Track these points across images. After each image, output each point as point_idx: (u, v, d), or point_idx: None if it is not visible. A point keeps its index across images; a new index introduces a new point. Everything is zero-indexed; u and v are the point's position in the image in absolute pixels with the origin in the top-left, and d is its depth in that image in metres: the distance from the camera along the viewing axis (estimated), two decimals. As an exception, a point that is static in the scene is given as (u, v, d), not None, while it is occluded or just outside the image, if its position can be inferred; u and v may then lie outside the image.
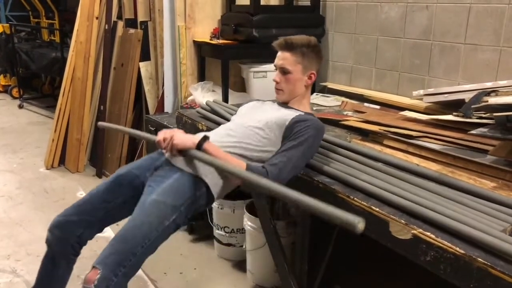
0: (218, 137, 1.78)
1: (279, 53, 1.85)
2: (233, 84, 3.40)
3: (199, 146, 1.63)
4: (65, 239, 1.70)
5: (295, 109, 1.87)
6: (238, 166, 1.62)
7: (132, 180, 1.74)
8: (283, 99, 1.89)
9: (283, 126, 1.75)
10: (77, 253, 1.76)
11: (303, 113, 1.82)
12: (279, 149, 1.73)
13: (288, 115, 1.78)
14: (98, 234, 1.80)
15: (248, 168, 1.62)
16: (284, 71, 1.83)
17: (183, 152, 1.66)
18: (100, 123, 2.39)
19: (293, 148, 1.68)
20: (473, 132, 1.79)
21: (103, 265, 1.43)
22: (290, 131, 1.73)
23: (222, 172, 1.67)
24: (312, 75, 1.87)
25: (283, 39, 1.83)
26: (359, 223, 1.17)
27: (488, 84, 2.17)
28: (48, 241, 1.74)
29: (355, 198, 1.54)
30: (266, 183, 1.42)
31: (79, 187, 3.73)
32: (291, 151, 1.68)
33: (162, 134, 1.72)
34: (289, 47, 1.82)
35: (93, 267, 1.44)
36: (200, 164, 1.66)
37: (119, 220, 1.82)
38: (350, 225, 1.18)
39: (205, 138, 1.66)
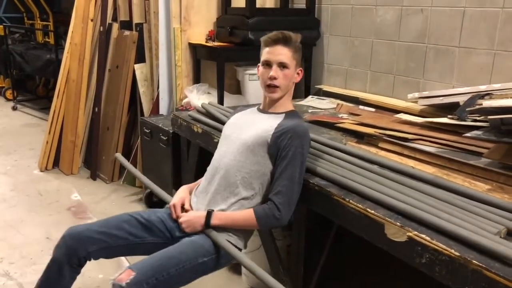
0: (215, 184, 1.78)
1: (273, 48, 1.76)
2: (228, 86, 3.40)
3: (207, 226, 1.70)
4: (74, 251, 1.69)
5: (277, 113, 1.81)
6: (247, 217, 1.68)
7: (162, 232, 1.80)
8: (277, 96, 1.80)
9: (265, 144, 1.72)
10: (81, 266, 1.75)
11: (282, 119, 1.76)
12: (274, 171, 1.71)
13: (266, 130, 1.73)
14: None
15: (257, 214, 1.67)
16: (282, 66, 1.75)
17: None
18: (118, 155, 2.39)
19: (288, 166, 1.67)
20: (467, 134, 1.80)
21: (139, 270, 1.50)
22: (276, 148, 1.70)
23: (236, 230, 1.75)
24: (300, 72, 1.84)
25: (279, 33, 1.76)
26: None
27: (482, 87, 2.19)
28: (57, 247, 1.72)
29: (350, 201, 1.54)
30: (264, 276, 1.48)
31: (73, 189, 3.71)
32: (288, 170, 1.67)
33: (173, 214, 1.81)
34: (286, 41, 1.75)
35: (129, 268, 1.51)
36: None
37: (130, 255, 1.91)
38: None
39: (210, 214, 1.70)
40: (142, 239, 1.78)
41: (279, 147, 1.69)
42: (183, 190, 1.91)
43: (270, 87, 1.78)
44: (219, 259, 1.71)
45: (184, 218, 1.75)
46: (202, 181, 1.88)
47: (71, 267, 1.71)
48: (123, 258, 2.52)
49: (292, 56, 1.77)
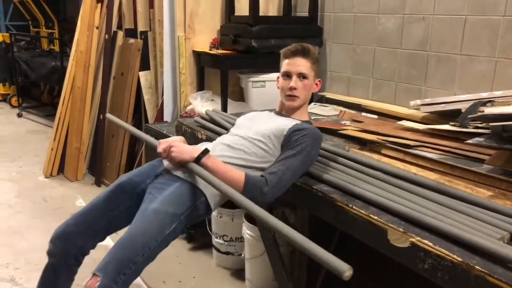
0: (217, 150, 1.78)
1: (292, 60, 1.85)
2: (232, 93, 3.42)
3: (197, 160, 1.64)
4: (67, 251, 1.69)
5: (293, 118, 1.88)
6: (237, 177, 1.64)
7: (133, 187, 1.74)
8: (296, 105, 1.88)
9: (281, 136, 1.77)
10: (79, 263, 1.75)
11: (299, 122, 1.84)
12: (277, 157, 1.75)
13: (285, 125, 1.80)
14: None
15: (247, 178, 1.64)
16: (302, 77, 1.84)
17: (181, 163, 1.68)
18: (108, 114, 2.37)
19: (291, 156, 1.70)
20: (469, 141, 1.82)
21: (104, 273, 1.43)
22: (288, 140, 1.75)
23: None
24: (318, 82, 1.92)
25: (299, 45, 1.85)
26: (346, 272, 1.18)
27: (484, 95, 2.21)
28: (50, 253, 1.73)
29: (353, 207, 1.55)
30: (260, 213, 1.40)
31: (78, 195, 3.73)
32: (289, 159, 1.70)
33: (162, 145, 1.74)
34: (306, 53, 1.84)
35: (93, 274, 1.44)
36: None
37: (122, 227, 1.82)
38: (338, 271, 1.19)
39: (205, 152, 1.66)
40: (118, 208, 1.73)
41: (291, 139, 1.74)
42: (178, 137, 1.86)
43: (290, 96, 1.86)
44: (191, 214, 1.64)
45: (176, 143, 1.70)
46: (203, 145, 1.85)
47: (68, 268, 1.72)
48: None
49: (311, 67, 1.85)
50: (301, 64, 1.83)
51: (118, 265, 1.45)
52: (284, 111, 1.93)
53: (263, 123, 1.86)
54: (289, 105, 1.89)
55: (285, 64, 1.87)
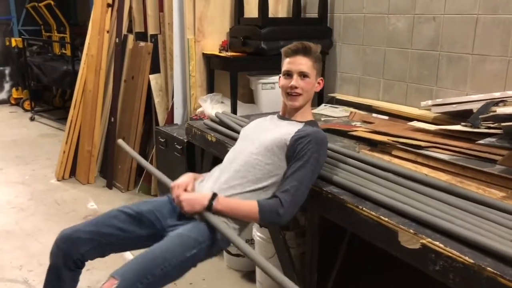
0: (225, 174, 1.78)
1: (293, 58, 1.81)
2: (241, 95, 3.43)
3: (209, 208, 1.66)
4: (68, 254, 1.70)
5: (297, 121, 1.85)
6: (251, 208, 1.65)
7: (153, 222, 1.77)
8: (299, 105, 1.84)
9: (284, 147, 1.74)
10: (80, 267, 1.76)
11: (302, 126, 1.79)
12: (286, 171, 1.73)
13: (287, 134, 1.75)
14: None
15: (261, 207, 1.65)
16: (303, 75, 1.79)
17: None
18: (119, 141, 2.39)
19: (300, 168, 1.68)
20: (481, 142, 1.80)
21: (122, 277, 1.46)
22: (293, 151, 1.72)
23: (236, 220, 1.72)
24: (321, 81, 1.88)
25: (299, 44, 1.81)
26: None
27: (496, 94, 2.18)
28: (52, 253, 1.74)
29: (363, 208, 1.55)
30: (261, 262, 1.47)
31: (89, 198, 3.76)
32: (299, 172, 1.68)
33: (174, 192, 1.77)
34: (306, 51, 1.80)
35: (112, 276, 1.47)
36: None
37: (124, 250, 1.88)
38: None
39: (214, 197, 1.67)
40: (132, 233, 1.75)
41: (296, 149, 1.71)
42: (188, 175, 1.88)
43: (291, 95, 1.82)
44: (212, 246, 1.67)
45: (185, 195, 1.71)
46: (213, 171, 1.87)
47: (69, 270, 1.72)
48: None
49: (312, 65, 1.81)
50: (302, 63, 1.79)
51: (137, 273, 1.49)
52: (287, 114, 1.89)
53: (266, 133, 1.82)
54: (290, 105, 1.84)
55: (286, 63, 1.83)
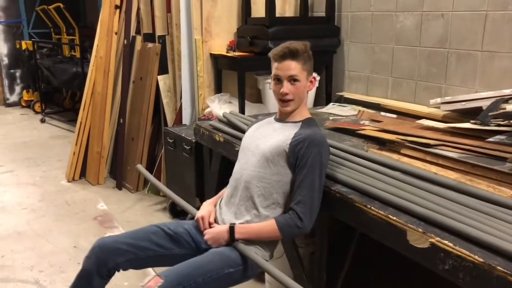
0: (236, 195, 1.80)
1: (281, 63, 1.74)
2: (249, 95, 3.43)
3: (232, 241, 1.72)
4: (104, 262, 1.73)
5: (294, 121, 1.82)
6: (270, 229, 1.69)
7: (189, 243, 1.84)
8: (292, 109, 1.81)
9: (283, 154, 1.73)
10: (110, 276, 1.79)
11: (298, 128, 1.77)
12: (294, 180, 1.72)
13: (285, 140, 1.74)
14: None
15: (279, 224, 1.68)
16: (293, 80, 1.74)
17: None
18: (139, 166, 2.42)
19: (307, 175, 1.67)
20: (491, 139, 1.78)
21: (167, 278, 1.54)
22: (295, 157, 1.71)
23: (262, 243, 1.77)
24: (313, 80, 1.83)
25: (285, 48, 1.74)
26: None
27: (506, 91, 2.15)
28: (87, 258, 1.76)
29: (372, 208, 1.54)
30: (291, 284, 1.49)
31: (99, 199, 3.79)
32: (307, 180, 1.67)
33: (200, 226, 1.84)
34: (293, 55, 1.73)
35: (157, 275, 1.54)
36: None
37: (157, 266, 1.92)
38: None
39: (232, 230, 1.72)
40: (169, 251, 1.81)
41: (297, 156, 1.70)
42: (208, 203, 1.93)
43: (283, 101, 1.79)
44: (246, 271, 1.72)
45: (208, 234, 1.78)
46: (226, 191, 1.90)
47: (100, 278, 1.75)
48: (151, 271, 2.55)
49: (302, 68, 1.75)
50: (291, 67, 1.73)
51: (181, 277, 1.57)
52: (283, 117, 1.86)
53: (264, 142, 1.80)
54: (283, 110, 1.82)
55: (274, 68, 1.77)
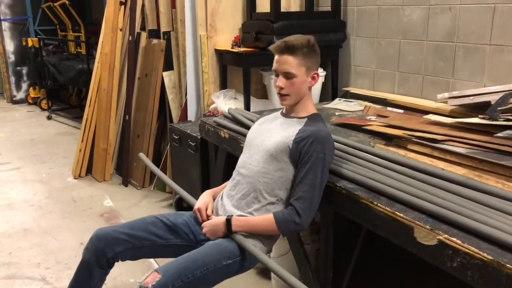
0: (238, 189, 1.80)
1: (279, 57, 1.73)
2: (254, 91, 3.41)
3: (230, 233, 1.72)
4: (103, 252, 1.75)
5: (299, 117, 1.80)
6: (268, 223, 1.68)
7: (187, 234, 1.84)
8: (288, 104, 1.79)
9: (286, 150, 1.72)
10: (110, 266, 1.81)
11: (303, 125, 1.75)
12: (296, 176, 1.71)
13: (288, 136, 1.73)
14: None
15: (276, 219, 1.67)
16: (288, 76, 1.72)
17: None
18: (141, 154, 2.45)
19: (309, 172, 1.66)
20: (499, 134, 1.75)
21: (165, 273, 1.53)
22: (298, 153, 1.69)
23: (261, 237, 1.76)
24: (315, 75, 1.78)
25: (282, 42, 1.72)
26: None
27: (515, 85, 2.12)
28: (87, 248, 1.78)
29: (378, 204, 1.52)
30: (291, 279, 1.47)
31: (106, 195, 3.79)
32: (309, 176, 1.66)
33: (198, 217, 1.85)
34: (290, 50, 1.70)
35: (155, 271, 1.54)
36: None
37: (155, 257, 1.97)
38: None
39: (229, 221, 1.72)
40: (167, 241, 1.81)
41: (301, 153, 1.69)
42: (207, 195, 1.93)
43: (280, 95, 1.78)
44: (243, 261, 1.72)
45: (206, 227, 1.78)
46: (228, 184, 1.90)
47: (100, 268, 1.77)
48: (153, 261, 2.56)
49: (299, 63, 1.71)
50: (287, 62, 1.70)
51: (179, 271, 1.56)
52: (289, 112, 1.85)
53: (269, 137, 1.80)
54: (281, 104, 1.82)
55: (274, 61, 1.76)
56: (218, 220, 1.76)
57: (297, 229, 1.70)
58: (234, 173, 1.88)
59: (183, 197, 2.06)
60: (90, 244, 1.78)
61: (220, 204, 1.86)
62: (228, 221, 1.72)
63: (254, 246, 1.69)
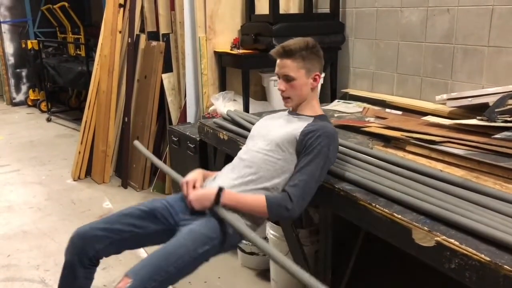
0: (236, 170, 1.79)
1: (279, 61, 1.79)
2: (253, 93, 3.42)
3: (217, 203, 1.66)
4: (83, 251, 1.72)
5: (306, 115, 1.83)
6: (259, 204, 1.65)
7: (166, 218, 1.78)
8: (291, 105, 1.85)
9: (293, 141, 1.73)
10: (95, 265, 1.78)
11: (311, 121, 1.78)
12: (296, 166, 1.71)
13: (297, 128, 1.75)
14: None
15: (268, 201, 1.64)
16: (287, 79, 1.77)
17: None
18: (136, 142, 2.43)
19: (309, 163, 1.66)
20: (498, 136, 1.76)
21: (136, 275, 1.47)
22: (303, 145, 1.71)
23: (247, 214, 1.71)
24: (317, 77, 1.81)
25: (280, 47, 1.77)
26: None
27: (513, 87, 2.13)
28: (67, 250, 1.75)
29: (376, 206, 1.52)
30: (277, 256, 1.44)
31: (105, 197, 3.79)
32: (308, 166, 1.66)
33: (183, 188, 1.78)
34: (288, 54, 1.75)
35: (126, 275, 1.48)
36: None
37: (139, 247, 1.90)
38: None
39: (220, 191, 1.66)
40: (144, 229, 1.76)
41: (306, 144, 1.70)
42: (197, 172, 1.88)
43: (283, 97, 1.84)
44: (223, 242, 1.67)
45: (193, 193, 1.73)
46: (226, 167, 1.87)
47: (83, 268, 1.73)
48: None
49: (298, 66, 1.75)
50: (286, 66, 1.76)
51: (151, 271, 1.50)
52: (296, 110, 1.88)
53: (276, 129, 1.82)
54: (285, 106, 1.87)
55: (276, 65, 1.82)
56: (209, 190, 1.70)
57: (286, 215, 1.65)
58: (234, 159, 1.87)
59: (172, 176, 2.01)
60: (71, 245, 1.74)
61: (211, 183, 1.82)
62: (220, 190, 1.66)
63: (237, 219, 1.64)
